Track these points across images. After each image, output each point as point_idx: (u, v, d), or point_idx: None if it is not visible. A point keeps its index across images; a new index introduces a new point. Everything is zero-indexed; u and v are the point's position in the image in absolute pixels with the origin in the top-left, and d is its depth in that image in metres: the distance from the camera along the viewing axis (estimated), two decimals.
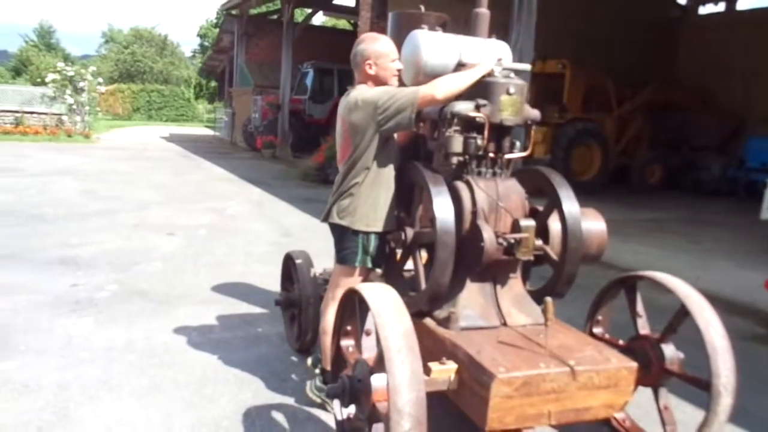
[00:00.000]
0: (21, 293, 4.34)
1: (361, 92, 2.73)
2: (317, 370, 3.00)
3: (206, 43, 41.21)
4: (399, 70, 2.84)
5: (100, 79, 21.76)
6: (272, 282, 4.71)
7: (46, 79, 19.23)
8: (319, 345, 3.08)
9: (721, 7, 15.58)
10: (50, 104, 18.70)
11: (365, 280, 2.82)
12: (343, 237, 2.80)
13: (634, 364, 2.41)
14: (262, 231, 7.09)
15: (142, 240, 6.22)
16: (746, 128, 12.22)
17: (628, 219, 9.18)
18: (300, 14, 21.48)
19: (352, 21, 22.57)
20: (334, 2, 20.05)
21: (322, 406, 2.90)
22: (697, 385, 2.53)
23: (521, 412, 2.24)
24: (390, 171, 2.79)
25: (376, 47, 2.78)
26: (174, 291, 4.62)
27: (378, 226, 2.75)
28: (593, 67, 11.83)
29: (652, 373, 2.66)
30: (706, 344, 2.42)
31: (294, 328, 3.62)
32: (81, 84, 18.94)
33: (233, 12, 20.36)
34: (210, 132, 27.18)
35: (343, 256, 2.83)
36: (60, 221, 6.84)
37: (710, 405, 2.40)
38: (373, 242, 2.77)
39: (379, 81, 2.78)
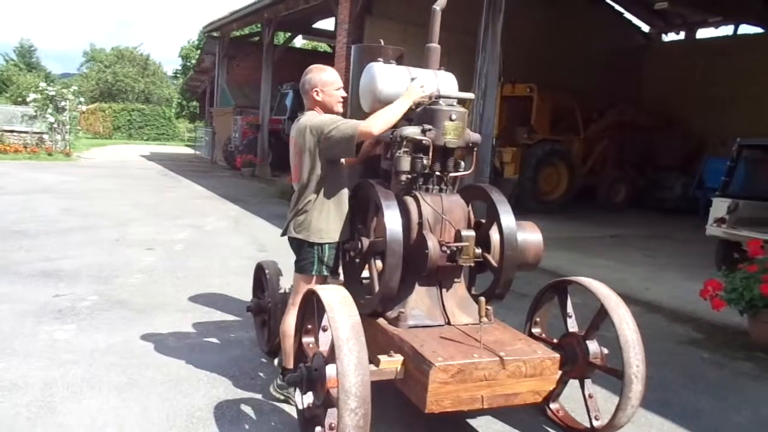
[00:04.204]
0: (5, 303, 4.57)
1: (309, 118, 3.07)
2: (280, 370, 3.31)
3: (188, 64, 41.50)
4: (343, 98, 3.18)
5: (82, 99, 21.94)
6: (247, 293, 4.96)
7: (27, 99, 19.39)
8: None
9: (682, 35, 16.41)
10: (31, 123, 18.84)
11: None
12: (301, 249, 3.14)
13: (557, 356, 2.76)
14: (239, 246, 7.37)
15: (122, 254, 6.47)
16: (706, 149, 12.83)
17: (591, 236, 9.64)
18: (282, 37, 21.92)
19: (331, 45, 23.07)
20: (313, 26, 20.52)
21: (287, 401, 3.19)
22: (614, 374, 2.88)
23: (456, 396, 2.57)
24: (339, 188, 3.13)
25: (322, 76, 3.13)
26: (153, 301, 4.88)
27: (330, 238, 3.10)
28: (561, 90, 12.39)
29: (578, 366, 3.02)
30: (620, 338, 2.79)
31: (264, 332, 3.92)
32: (62, 103, 19.11)
33: (214, 34, 20.75)
34: (191, 151, 27.36)
35: (301, 266, 3.16)
36: (42, 237, 7.06)
37: (623, 391, 2.76)
38: (327, 252, 3.11)
39: (325, 107, 3.13)
